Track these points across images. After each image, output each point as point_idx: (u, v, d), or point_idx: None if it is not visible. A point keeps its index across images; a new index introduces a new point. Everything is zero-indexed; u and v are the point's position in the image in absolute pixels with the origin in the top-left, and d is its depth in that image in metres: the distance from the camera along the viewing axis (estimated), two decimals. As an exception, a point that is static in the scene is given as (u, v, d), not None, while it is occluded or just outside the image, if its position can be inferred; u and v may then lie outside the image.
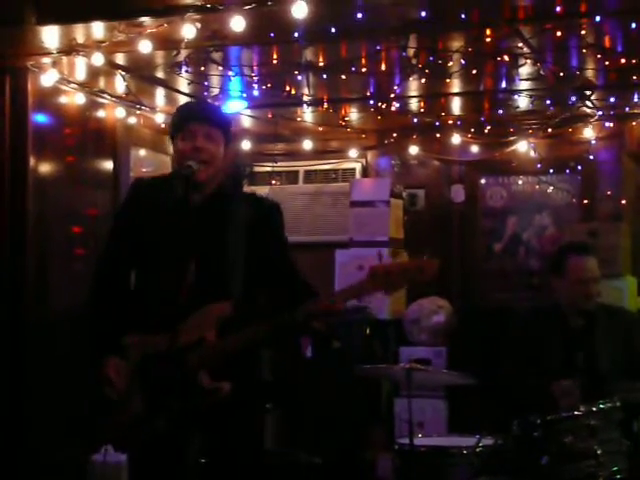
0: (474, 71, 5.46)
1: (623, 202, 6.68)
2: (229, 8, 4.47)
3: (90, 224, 5.79)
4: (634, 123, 6.61)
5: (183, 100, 6.03)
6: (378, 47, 5.09)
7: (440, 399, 6.26)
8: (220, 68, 5.46)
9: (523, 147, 6.77)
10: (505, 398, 4.83)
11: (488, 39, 4.88)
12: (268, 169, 7.47)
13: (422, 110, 6.49)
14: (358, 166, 7.34)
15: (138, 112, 6.24)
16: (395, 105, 6.29)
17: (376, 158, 7.36)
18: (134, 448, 3.38)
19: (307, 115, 6.67)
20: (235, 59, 5.39)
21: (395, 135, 7.06)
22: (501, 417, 4.44)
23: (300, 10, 4.32)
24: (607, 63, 5.36)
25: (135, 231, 3.48)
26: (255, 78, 5.63)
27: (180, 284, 3.20)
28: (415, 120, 6.68)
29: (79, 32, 4.87)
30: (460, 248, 7.08)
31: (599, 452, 4.12)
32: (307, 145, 7.27)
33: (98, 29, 4.80)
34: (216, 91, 5.91)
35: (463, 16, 4.60)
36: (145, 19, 4.64)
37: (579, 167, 6.81)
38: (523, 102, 6.24)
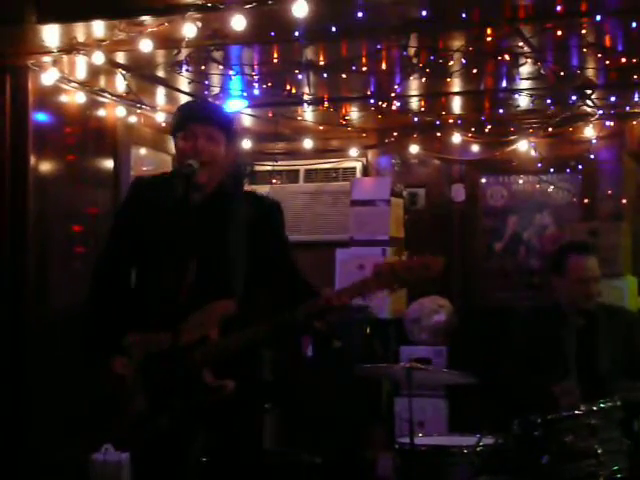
0: (475, 70, 5.47)
1: (624, 201, 6.68)
2: (230, 7, 4.47)
3: (90, 223, 5.79)
4: (634, 122, 6.61)
5: (184, 99, 6.03)
6: (379, 46, 5.09)
7: (440, 398, 6.26)
8: (221, 67, 5.46)
9: (523, 146, 6.77)
10: (505, 397, 4.83)
11: (489, 38, 4.88)
12: (269, 168, 7.47)
13: (423, 109, 6.50)
14: (359, 165, 7.34)
15: (139, 111, 6.24)
16: (396, 104, 6.29)
17: (377, 157, 7.36)
18: (137, 447, 3.39)
19: (308, 114, 6.67)
20: (236, 58, 5.39)
21: (396, 134, 7.06)
22: (501, 416, 4.44)
23: (300, 9, 4.32)
24: (607, 62, 5.36)
25: (135, 229, 3.47)
26: (256, 77, 5.63)
27: (180, 283, 3.20)
28: (416, 119, 6.68)
29: (80, 31, 4.87)
30: (460, 247, 7.08)
31: (600, 451, 4.12)
32: (308, 144, 7.27)
33: (99, 28, 4.80)
34: (217, 90, 5.91)
35: (464, 15, 4.60)
36: (146, 18, 4.64)
37: (580, 166, 6.81)
38: (524, 101, 6.24)
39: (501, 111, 6.50)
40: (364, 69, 5.40)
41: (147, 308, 3.40)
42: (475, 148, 6.99)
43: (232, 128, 3.57)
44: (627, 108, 6.43)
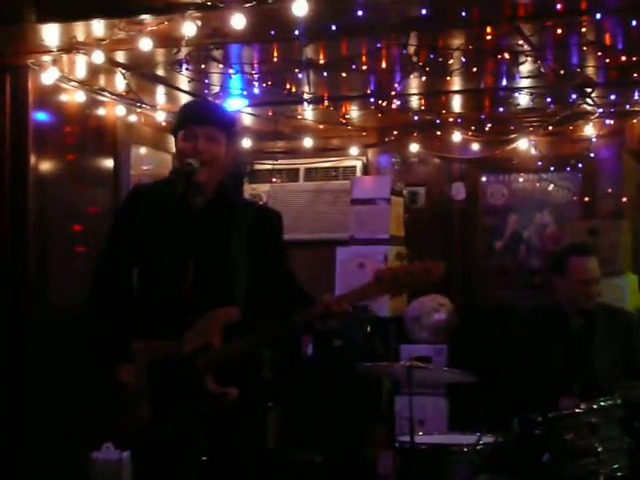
0: (475, 69, 5.47)
1: (624, 200, 6.68)
2: (230, 6, 4.47)
3: (90, 222, 5.79)
4: (634, 121, 6.60)
5: (184, 98, 6.04)
6: (378, 45, 5.09)
7: (441, 397, 6.26)
8: (221, 66, 5.46)
9: (524, 145, 6.77)
10: (506, 396, 4.83)
11: (488, 37, 4.88)
12: (269, 167, 7.47)
13: (423, 108, 6.50)
14: (359, 164, 7.34)
15: (139, 110, 6.24)
16: (396, 103, 6.28)
17: (377, 156, 7.36)
18: (138, 449, 3.40)
19: (308, 113, 6.66)
20: (236, 57, 5.39)
21: (396, 133, 7.05)
22: (502, 415, 4.44)
23: (300, 8, 4.32)
24: (607, 61, 5.36)
25: (135, 229, 3.46)
26: (256, 76, 5.63)
27: (180, 285, 3.21)
28: (416, 118, 6.68)
29: (79, 30, 4.87)
30: (461, 246, 7.08)
31: (600, 450, 4.13)
32: (308, 143, 7.27)
33: (98, 27, 4.80)
34: (217, 89, 5.91)
35: (463, 14, 4.60)
36: (145, 17, 4.64)
37: (580, 165, 6.81)
38: (524, 100, 6.23)
39: (501, 110, 6.50)
40: (364, 68, 5.40)
41: (148, 310, 3.40)
42: (475, 147, 6.99)
43: (233, 128, 3.57)
44: (627, 106, 6.42)
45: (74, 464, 5.24)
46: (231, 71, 5.55)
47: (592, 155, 6.72)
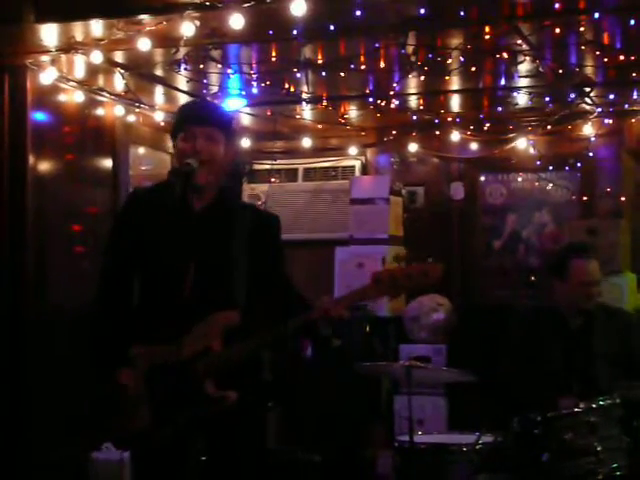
0: (473, 68, 5.47)
1: (622, 199, 6.68)
2: (228, 6, 4.47)
3: (89, 222, 5.79)
4: (633, 120, 6.61)
5: (182, 98, 6.04)
6: (377, 44, 5.09)
7: (440, 396, 6.26)
8: (219, 66, 5.46)
9: (522, 144, 6.77)
10: (505, 395, 4.83)
11: (487, 36, 4.88)
12: (267, 167, 7.47)
13: (421, 107, 6.50)
14: (357, 163, 7.33)
15: (137, 110, 6.24)
16: (394, 102, 6.29)
17: (375, 155, 7.35)
18: (138, 451, 3.40)
19: (306, 113, 6.67)
20: (234, 57, 5.39)
21: (394, 132, 7.06)
22: (501, 414, 4.44)
23: (299, 8, 4.32)
24: (606, 60, 5.36)
25: (135, 233, 3.46)
26: (254, 76, 5.63)
27: (180, 290, 3.22)
28: (414, 117, 6.68)
29: (78, 30, 4.87)
30: (460, 245, 7.08)
31: (599, 449, 4.13)
32: (306, 143, 7.27)
33: (97, 27, 4.80)
34: (215, 89, 5.91)
35: (462, 13, 4.60)
36: (144, 17, 4.64)
37: (578, 164, 6.81)
38: (522, 99, 6.24)
39: (500, 109, 6.50)
40: (363, 67, 5.40)
41: (149, 313, 3.40)
42: (474, 146, 6.99)
43: (231, 128, 3.57)
44: (626, 106, 6.43)
45: (74, 464, 5.25)
46: (230, 71, 5.55)
47: (591, 154, 6.72)
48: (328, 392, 6.41)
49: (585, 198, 6.79)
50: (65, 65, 5.39)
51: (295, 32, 4.78)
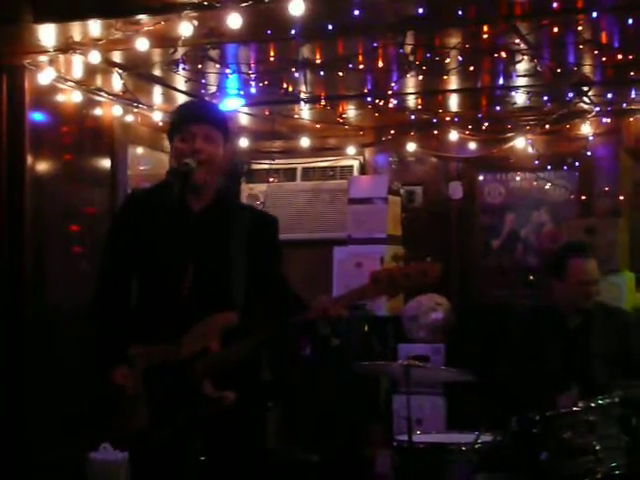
0: (471, 68, 5.47)
1: (621, 198, 6.67)
2: (226, 5, 4.47)
3: (87, 222, 5.79)
4: (631, 119, 6.61)
5: (180, 98, 6.04)
6: (375, 44, 5.09)
7: (438, 396, 6.26)
8: (217, 66, 5.45)
9: (521, 144, 6.77)
10: (503, 395, 4.83)
11: (485, 35, 4.88)
12: (266, 167, 7.46)
13: (420, 107, 6.50)
14: (356, 163, 7.33)
15: (135, 110, 6.24)
16: (393, 102, 6.29)
17: (374, 155, 7.35)
18: (136, 451, 3.40)
19: (304, 112, 6.66)
20: (232, 57, 5.39)
21: (393, 132, 7.05)
22: (499, 414, 4.44)
23: (297, 7, 4.32)
24: (604, 59, 5.36)
25: (133, 234, 3.46)
26: (252, 75, 5.63)
27: (179, 290, 3.22)
28: (413, 117, 6.68)
29: (76, 30, 4.87)
30: (458, 245, 7.08)
31: (598, 448, 4.12)
32: (305, 142, 7.27)
33: (95, 27, 4.80)
34: (213, 89, 5.91)
35: (460, 13, 4.60)
36: (142, 17, 4.64)
37: (577, 163, 6.81)
38: (520, 98, 6.24)
39: (498, 108, 6.50)
40: (361, 67, 5.40)
41: (147, 313, 3.41)
42: (472, 146, 6.99)
43: (229, 127, 3.57)
44: (624, 105, 6.43)
45: (72, 464, 5.24)
46: (228, 71, 5.55)
47: (589, 154, 6.72)
48: (327, 391, 6.41)
49: (583, 197, 6.79)
50: (63, 65, 5.39)
51: (293, 32, 4.78)
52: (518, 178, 7.00)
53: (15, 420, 5.26)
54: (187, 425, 3.26)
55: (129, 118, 6.23)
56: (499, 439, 4.44)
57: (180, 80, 5.72)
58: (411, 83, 6.01)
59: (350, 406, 6.38)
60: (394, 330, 6.58)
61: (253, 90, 5.95)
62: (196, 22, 4.60)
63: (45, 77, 5.31)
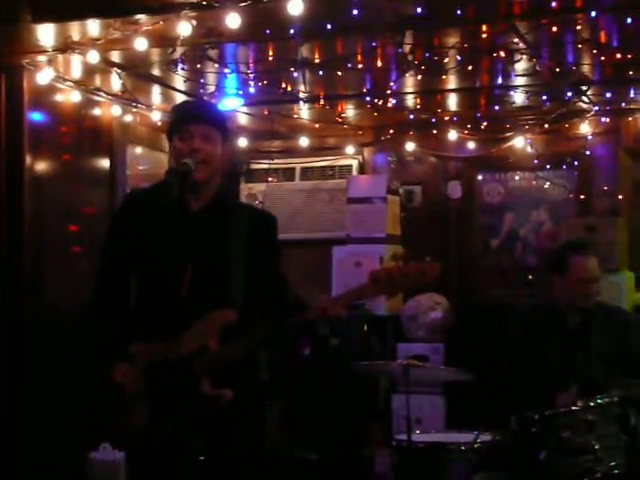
0: (470, 67, 5.47)
1: (620, 197, 6.68)
2: (225, 5, 4.47)
3: (86, 222, 5.79)
4: (630, 118, 6.61)
5: (179, 97, 6.03)
6: (374, 44, 5.09)
7: (438, 395, 6.25)
8: (216, 65, 5.45)
9: (520, 143, 6.77)
10: (502, 394, 4.83)
11: (484, 35, 4.88)
12: (265, 166, 7.47)
13: (418, 106, 6.50)
14: (355, 163, 7.33)
15: (134, 110, 6.24)
16: (391, 101, 6.29)
17: (373, 155, 7.35)
18: (135, 449, 3.40)
19: (303, 112, 6.66)
20: (231, 56, 5.39)
21: (392, 132, 7.06)
22: (499, 413, 4.44)
23: (296, 7, 4.32)
24: (603, 58, 5.36)
25: (132, 233, 3.46)
26: (251, 75, 5.63)
27: (178, 289, 3.22)
28: (411, 116, 6.68)
29: (74, 30, 4.87)
30: (457, 244, 7.08)
31: (597, 447, 4.12)
32: (304, 142, 7.27)
33: (93, 27, 4.80)
34: (212, 88, 5.91)
35: (459, 12, 4.60)
36: (141, 16, 4.64)
37: (576, 163, 6.81)
38: (519, 98, 6.24)
39: (497, 108, 6.50)
40: (360, 66, 5.40)
41: (146, 312, 3.41)
42: (471, 145, 6.99)
43: (228, 127, 3.57)
44: (623, 104, 6.44)
45: (71, 463, 5.23)
46: (227, 70, 5.55)
47: (588, 153, 6.73)
48: (326, 391, 6.41)
49: (582, 196, 6.79)
50: (62, 65, 5.38)
51: (292, 31, 4.78)
52: (517, 177, 7.00)
53: (13, 419, 5.26)
54: (185, 423, 3.26)
55: (128, 118, 6.23)
56: (498, 438, 4.44)
57: (179, 80, 5.72)
58: (410, 83, 6.01)
59: (349, 405, 6.38)
60: (393, 329, 6.58)
61: (252, 90, 5.95)
62: (195, 22, 4.60)
63: (44, 77, 5.31)
